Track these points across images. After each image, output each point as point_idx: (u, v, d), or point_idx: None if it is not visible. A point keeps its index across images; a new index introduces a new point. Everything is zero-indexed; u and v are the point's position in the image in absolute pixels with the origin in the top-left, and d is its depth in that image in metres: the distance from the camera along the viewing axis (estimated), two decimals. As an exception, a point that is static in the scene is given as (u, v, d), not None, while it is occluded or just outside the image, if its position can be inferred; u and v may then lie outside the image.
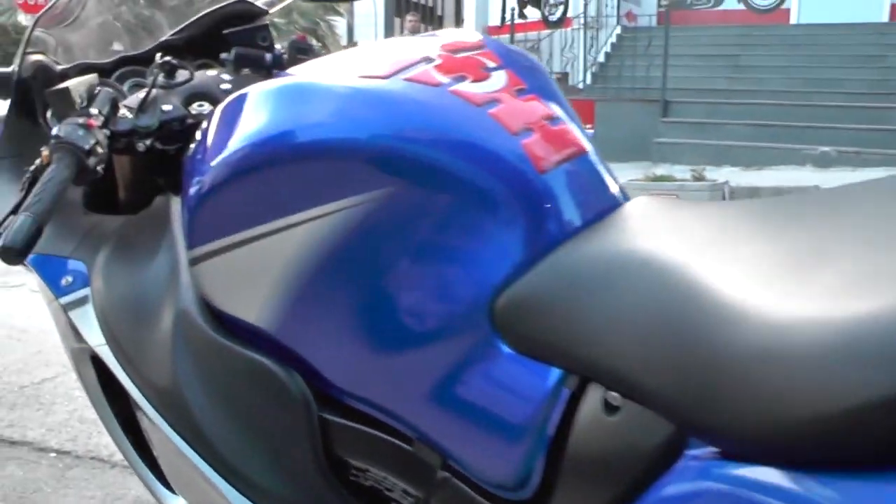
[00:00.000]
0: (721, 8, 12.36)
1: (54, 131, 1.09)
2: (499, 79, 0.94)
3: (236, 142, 0.90)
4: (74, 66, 1.41)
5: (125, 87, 1.48)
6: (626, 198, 0.94)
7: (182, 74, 1.31)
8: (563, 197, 0.87)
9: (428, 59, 0.95)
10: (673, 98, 9.21)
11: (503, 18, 12.54)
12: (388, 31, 12.59)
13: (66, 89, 1.15)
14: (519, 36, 10.67)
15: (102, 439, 2.62)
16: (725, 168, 7.80)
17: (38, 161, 1.15)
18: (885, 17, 11.22)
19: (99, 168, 1.12)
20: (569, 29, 11.32)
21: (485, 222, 0.83)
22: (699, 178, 6.49)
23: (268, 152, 0.88)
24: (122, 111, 1.22)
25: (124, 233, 1.19)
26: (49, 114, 1.39)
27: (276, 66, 1.39)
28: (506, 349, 0.82)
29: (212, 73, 1.35)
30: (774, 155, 7.80)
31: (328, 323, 0.88)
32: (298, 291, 0.88)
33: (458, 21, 15.12)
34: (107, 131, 1.15)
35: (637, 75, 9.46)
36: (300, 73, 1.02)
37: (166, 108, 1.23)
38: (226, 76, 1.34)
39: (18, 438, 2.62)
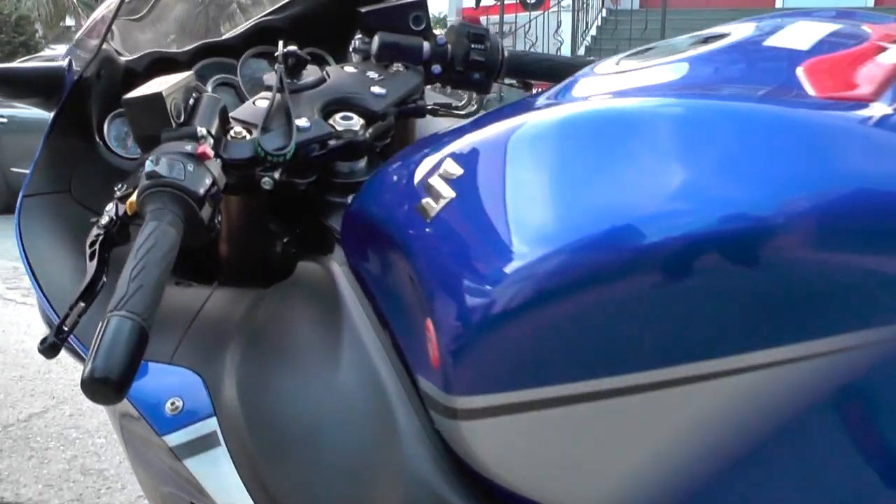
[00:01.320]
0: (706, -10, 12.08)
1: (148, 165, 0.69)
2: None
3: (557, 234, 0.52)
4: (141, 57, 1.01)
5: (209, 88, 1.07)
6: None
7: (311, 71, 0.91)
8: None
9: None
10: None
11: (478, 0, 12.12)
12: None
13: (159, 96, 0.75)
14: (494, 18, 10.27)
15: (115, 498, 2.20)
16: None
17: (110, 210, 0.75)
18: (870, 2, 11.05)
19: (217, 222, 0.73)
20: (548, 11, 10.95)
21: None
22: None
23: (649, 260, 0.50)
24: (236, 128, 0.82)
25: (256, 323, 0.78)
26: (108, 128, 0.97)
27: (438, 60, 1.00)
28: None
29: (350, 69, 0.95)
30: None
31: None
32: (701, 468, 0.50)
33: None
34: (219, 161, 0.76)
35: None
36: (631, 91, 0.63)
37: (302, 123, 0.84)
38: (373, 74, 0.94)
39: (11, 500, 2.18)
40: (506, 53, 1.04)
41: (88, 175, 0.92)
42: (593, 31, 11.07)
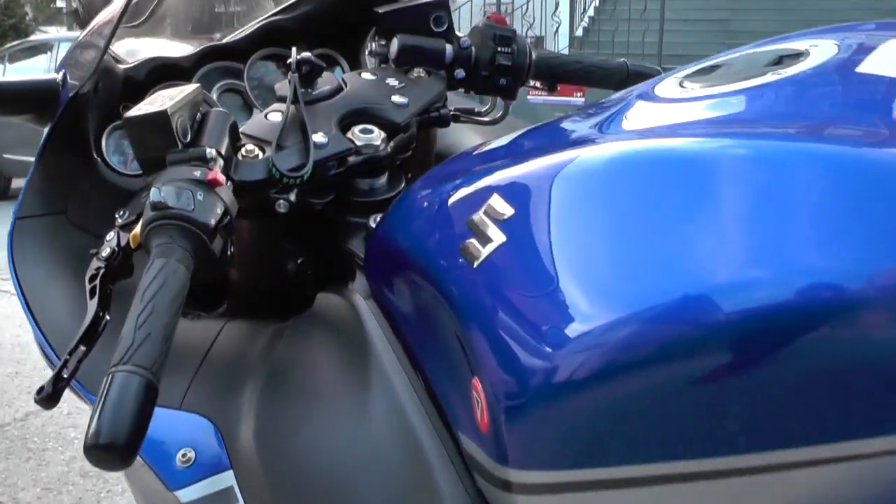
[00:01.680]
0: (705, -30, 11.93)
1: (154, 194, 0.63)
2: None
3: (628, 298, 0.45)
4: (141, 64, 0.94)
5: (213, 96, 1.00)
6: None
7: (327, 79, 0.84)
8: None
9: None
10: (668, 65, 8.81)
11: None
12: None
13: (164, 115, 0.68)
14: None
15: (116, 502, 2.15)
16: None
17: (111, 240, 0.69)
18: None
19: (230, 253, 0.66)
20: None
21: None
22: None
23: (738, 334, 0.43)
24: (247, 146, 0.76)
25: (274, 362, 0.72)
26: (106, 142, 0.90)
27: (462, 64, 0.93)
28: None
29: (368, 76, 0.88)
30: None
31: None
32: None
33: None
34: (230, 184, 0.69)
35: (623, 41, 9.00)
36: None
37: (319, 139, 0.77)
38: (393, 81, 0.87)
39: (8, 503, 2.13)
40: (534, 56, 0.97)
41: (86, 195, 0.85)
42: (591, 13, 10.93)
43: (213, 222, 0.64)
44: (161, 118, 0.68)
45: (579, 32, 10.31)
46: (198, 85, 0.74)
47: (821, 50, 0.60)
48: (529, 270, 0.49)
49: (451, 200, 0.61)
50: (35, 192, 0.83)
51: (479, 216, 0.55)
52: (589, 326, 0.44)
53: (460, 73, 0.94)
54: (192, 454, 0.66)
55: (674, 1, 8.91)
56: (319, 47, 1.07)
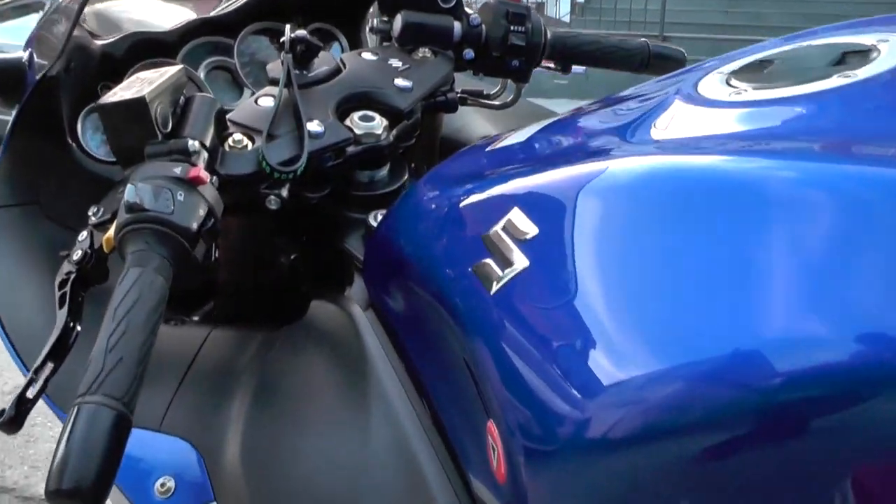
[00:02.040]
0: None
1: (129, 193, 0.56)
2: None
3: (673, 348, 0.38)
4: (120, 39, 0.86)
5: (200, 74, 0.92)
6: None
7: (324, 59, 0.77)
8: None
9: None
10: (670, 33, 8.67)
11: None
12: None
13: (142, 102, 0.61)
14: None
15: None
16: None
17: (83, 241, 0.63)
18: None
19: (214, 257, 0.60)
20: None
21: None
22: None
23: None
24: (235, 135, 0.68)
25: (263, 378, 0.65)
26: (82, 126, 0.83)
27: (471, 43, 0.85)
28: None
29: (369, 56, 0.80)
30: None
31: None
32: None
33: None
34: (215, 179, 0.62)
35: (624, 7, 8.83)
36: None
37: (314, 128, 0.70)
38: (396, 62, 0.79)
39: (-5, 483, 2.08)
40: (549, 35, 0.89)
41: (60, 183, 0.78)
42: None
43: (194, 226, 0.57)
44: (139, 105, 0.61)
45: (581, -1, 10.14)
46: (181, 66, 0.67)
47: (893, 46, 0.52)
48: (558, 304, 0.42)
49: (463, 207, 0.54)
50: (4, 181, 0.75)
51: (496, 233, 0.48)
52: (628, 376, 0.38)
53: (469, 53, 0.87)
54: (171, 483, 0.60)
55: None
56: (316, 21, 0.99)
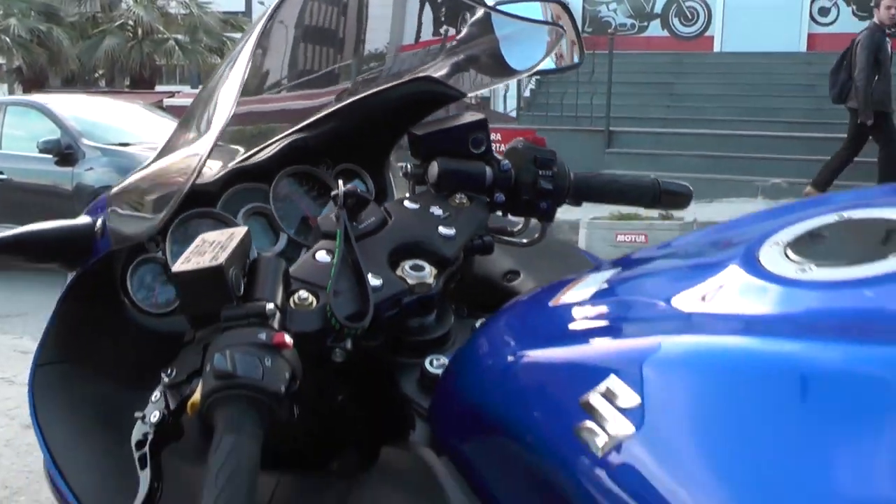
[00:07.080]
0: (646, 35, 12.31)
1: (218, 361, 0.58)
2: None
3: None
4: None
5: (240, 220, 0.95)
6: None
7: (371, 211, 0.80)
8: None
9: None
10: (616, 128, 9.00)
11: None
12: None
13: (220, 270, 0.64)
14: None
15: None
16: (677, 201, 7.57)
17: (157, 402, 0.64)
18: (803, 47, 11.43)
19: (295, 415, 0.62)
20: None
21: None
22: (667, 216, 6.19)
23: None
24: (300, 293, 0.71)
25: None
26: (131, 280, 0.84)
27: (502, 187, 0.90)
28: None
29: (410, 205, 0.84)
30: (726, 187, 7.61)
31: None
32: None
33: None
34: (290, 338, 0.65)
35: (571, 103, 9.15)
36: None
37: (374, 281, 0.73)
38: (437, 210, 0.84)
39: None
40: (572, 177, 0.94)
41: (110, 338, 0.79)
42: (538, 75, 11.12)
43: (282, 389, 0.59)
44: (216, 273, 0.63)
45: (527, 94, 10.47)
46: (246, 228, 0.70)
47: None
48: (672, 476, 0.45)
49: (551, 367, 0.57)
50: (55, 338, 0.76)
51: (594, 397, 0.51)
52: None
53: (500, 196, 0.91)
54: None
55: (620, 64, 9.14)
56: (341, 162, 1.04)
